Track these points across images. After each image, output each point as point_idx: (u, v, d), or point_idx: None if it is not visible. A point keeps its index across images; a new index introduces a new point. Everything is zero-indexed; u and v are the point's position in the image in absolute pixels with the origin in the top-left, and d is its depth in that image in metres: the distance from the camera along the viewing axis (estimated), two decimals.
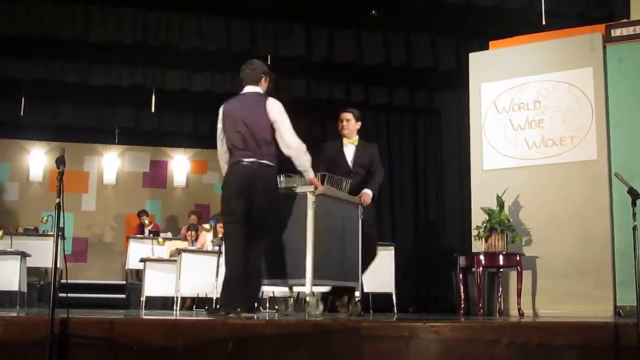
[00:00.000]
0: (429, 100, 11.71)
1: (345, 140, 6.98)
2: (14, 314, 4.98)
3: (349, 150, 6.96)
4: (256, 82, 5.73)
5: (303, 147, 5.64)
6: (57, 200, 4.06)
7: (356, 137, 6.99)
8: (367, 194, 6.65)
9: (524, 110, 8.34)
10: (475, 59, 8.82)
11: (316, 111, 12.48)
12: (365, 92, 11.39)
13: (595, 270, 7.60)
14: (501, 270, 7.81)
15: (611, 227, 7.64)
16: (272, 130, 5.57)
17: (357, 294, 6.40)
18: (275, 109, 5.58)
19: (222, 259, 8.76)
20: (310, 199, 5.69)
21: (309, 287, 5.61)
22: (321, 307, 5.91)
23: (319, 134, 13.20)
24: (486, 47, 8.90)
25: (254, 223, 5.51)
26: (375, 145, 7.29)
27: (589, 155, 7.85)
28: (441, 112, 11.73)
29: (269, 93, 5.79)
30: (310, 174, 5.71)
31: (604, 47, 7.99)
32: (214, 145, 5.85)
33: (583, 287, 7.57)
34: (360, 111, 7.10)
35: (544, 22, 8.53)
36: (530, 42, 8.49)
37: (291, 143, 5.58)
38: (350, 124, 6.96)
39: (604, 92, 7.89)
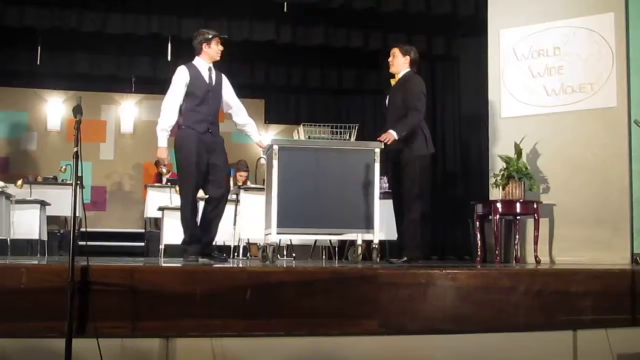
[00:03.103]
0: (447, 47, 11.54)
1: (392, 80, 6.68)
2: (35, 262, 5.04)
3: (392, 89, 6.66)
4: (198, 52, 6.36)
5: (163, 113, 6.54)
6: (75, 149, 4.06)
7: (403, 73, 6.57)
8: (390, 133, 6.16)
9: (544, 57, 8.25)
10: (494, 4, 8.72)
11: (333, 59, 12.41)
12: (384, 39, 11.23)
13: (613, 218, 7.59)
14: (518, 217, 7.81)
15: (629, 175, 7.61)
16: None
17: (359, 242, 6.18)
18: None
19: (239, 207, 8.86)
20: (274, 151, 6.01)
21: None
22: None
23: (335, 83, 13.14)
24: None
25: None
26: (414, 79, 6.55)
27: (609, 103, 7.78)
28: (459, 59, 11.59)
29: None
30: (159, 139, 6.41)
31: None
32: None
33: (600, 235, 7.57)
34: (408, 47, 6.71)
35: None
36: None
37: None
38: (395, 59, 6.62)
39: (625, 38, 7.78)
